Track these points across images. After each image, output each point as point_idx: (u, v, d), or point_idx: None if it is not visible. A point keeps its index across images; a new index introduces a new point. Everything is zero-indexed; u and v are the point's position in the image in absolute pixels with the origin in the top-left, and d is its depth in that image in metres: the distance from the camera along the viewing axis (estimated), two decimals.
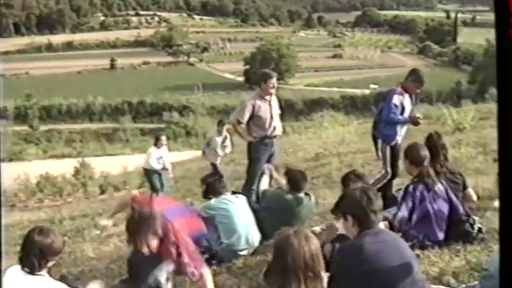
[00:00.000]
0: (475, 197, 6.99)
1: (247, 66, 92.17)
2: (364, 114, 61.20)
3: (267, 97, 8.74)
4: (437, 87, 67.40)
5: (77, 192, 22.22)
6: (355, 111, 64.60)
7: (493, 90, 57.54)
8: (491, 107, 24.71)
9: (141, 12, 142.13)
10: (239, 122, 8.76)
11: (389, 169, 7.98)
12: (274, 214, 6.92)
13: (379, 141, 8.22)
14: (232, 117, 9.07)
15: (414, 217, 5.87)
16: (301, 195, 7.18)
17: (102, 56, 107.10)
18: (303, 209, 7.14)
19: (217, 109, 71.80)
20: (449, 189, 6.15)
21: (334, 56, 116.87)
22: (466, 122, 17.50)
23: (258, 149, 8.77)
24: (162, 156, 13.75)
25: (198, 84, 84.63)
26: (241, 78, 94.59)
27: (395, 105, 7.90)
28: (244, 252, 6.63)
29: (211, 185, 7.03)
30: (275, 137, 8.93)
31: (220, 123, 14.99)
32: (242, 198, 6.96)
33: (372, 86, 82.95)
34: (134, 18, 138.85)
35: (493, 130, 11.52)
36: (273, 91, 8.77)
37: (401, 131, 8.21)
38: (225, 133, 14.66)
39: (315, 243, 3.61)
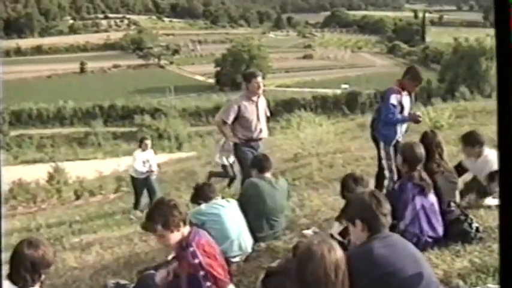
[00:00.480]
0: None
1: (218, 68, 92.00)
2: (336, 114, 61.41)
3: (254, 98, 8.64)
4: None
5: (51, 198, 21.80)
6: (327, 111, 64.57)
7: (463, 89, 58.41)
8: (466, 105, 24.97)
9: (110, 15, 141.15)
10: (224, 122, 8.63)
11: (394, 168, 7.85)
12: (253, 204, 6.86)
13: (381, 143, 8.13)
14: (218, 117, 8.95)
15: (407, 214, 5.77)
16: (268, 175, 7.11)
17: (71, 59, 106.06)
18: (276, 192, 7.05)
19: (188, 111, 71.57)
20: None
21: (305, 57, 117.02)
22: (443, 120, 17.63)
23: (244, 151, 8.64)
24: (148, 160, 13.24)
25: (170, 86, 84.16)
26: (212, 80, 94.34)
27: (393, 105, 7.83)
28: (237, 259, 6.43)
29: (201, 190, 6.76)
30: (261, 139, 8.80)
31: None
32: (233, 203, 6.74)
33: (343, 85, 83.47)
34: (103, 21, 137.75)
35: (471, 128, 11.55)
36: (259, 91, 8.65)
37: (402, 130, 8.13)
38: None
39: (338, 254, 3.47)
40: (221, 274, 4.70)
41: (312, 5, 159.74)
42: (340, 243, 4.97)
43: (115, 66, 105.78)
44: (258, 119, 8.67)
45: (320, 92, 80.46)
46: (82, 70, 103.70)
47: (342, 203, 8.42)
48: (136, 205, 13.40)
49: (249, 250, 6.63)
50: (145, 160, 13.09)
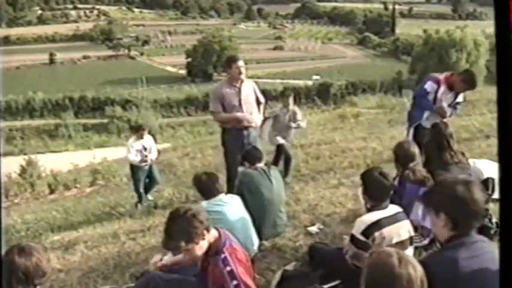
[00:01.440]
0: None
1: (189, 59, 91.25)
2: (308, 105, 61.37)
3: (236, 84, 8.30)
4: (379, 77, 68.54)
5: (24, 192, 21.18)
6: (299, 102, 64.49)
7: None
8: None
9: (80, 6, 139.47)
10: (218, 112, 8.35)
11: None
12: (249, 196, 6.50)
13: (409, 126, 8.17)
14: (214, 113, 8.55)
15: (417, 210, 5.50)
16: (261, 164, 6.88)
17: (40, 50, 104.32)
18: (272, 181, 6.73)
19: (160, 103, 70.85)
20: None
21: (276, 48, 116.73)
22: None
23: (229, 140, 8.37)
24: (145, 148, 12.33)
25: (142, 77, 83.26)
26: (183, 71, 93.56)
27: (426, 90, 7.86)
28: None
29: (204, 185, 6.10)
30: (246, 128, 8.40)
31: (285, 95, 12.86)
32: (237, 199, 6.25)
33: (315, 77, 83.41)
34: (73, 12, 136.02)
35: (455, 118, 11.36)
36: (241, 76, 8.30)
37: (429, 117, 7.94)
38: (291, 106, 11.32)
39: (421, 272, 2.82)
40: (253, 285, 4.25)
41: None
42: (364, 244, 4.65)
43: (85, 57, 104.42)
44: (240, 105, 8.32)
45: (291, 83, 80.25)
46: (51, 61, 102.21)
47: (340, 197, 8.20)
48: (140, 198, 12.48)
49: (255, 250, 6.18)
50: (141, 149, 12.41)
